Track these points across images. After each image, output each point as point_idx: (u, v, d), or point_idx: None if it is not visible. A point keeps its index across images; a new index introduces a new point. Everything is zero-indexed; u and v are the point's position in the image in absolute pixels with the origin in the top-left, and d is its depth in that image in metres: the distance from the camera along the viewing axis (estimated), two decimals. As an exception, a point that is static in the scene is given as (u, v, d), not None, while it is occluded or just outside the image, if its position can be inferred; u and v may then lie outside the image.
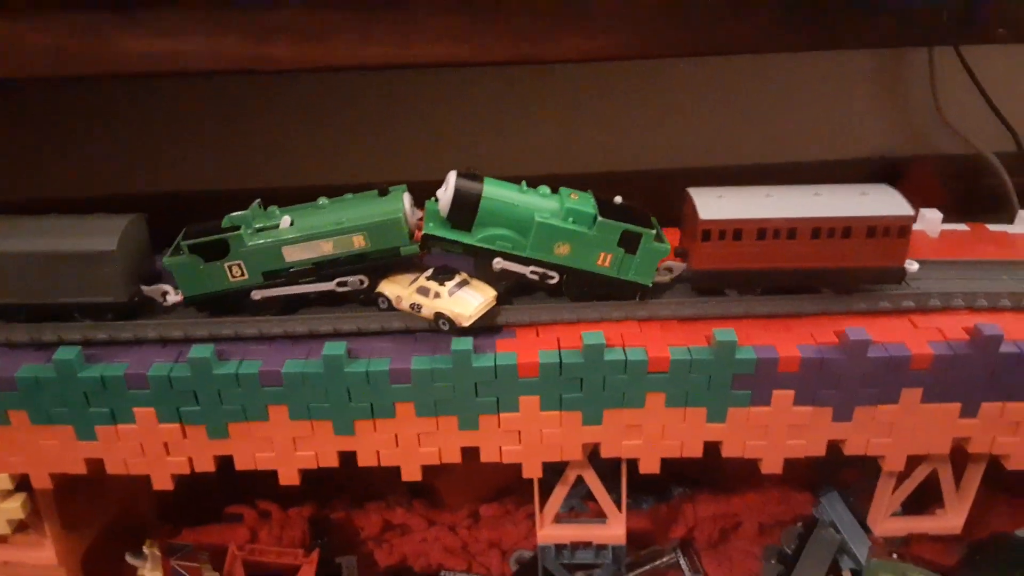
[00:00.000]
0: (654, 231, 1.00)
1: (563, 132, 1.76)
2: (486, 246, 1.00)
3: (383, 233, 0.99)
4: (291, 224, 1.00)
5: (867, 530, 1.17)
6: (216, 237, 0.97)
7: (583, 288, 1.03)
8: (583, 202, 1.01)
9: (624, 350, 0.96)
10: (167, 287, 1.03)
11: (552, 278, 1.01)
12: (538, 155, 1.73)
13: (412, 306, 0.99)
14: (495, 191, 0.99)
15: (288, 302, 1.03)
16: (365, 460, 1.01)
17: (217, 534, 1.31)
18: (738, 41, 1.11)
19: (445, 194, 0.98)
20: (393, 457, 1.01)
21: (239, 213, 1.00)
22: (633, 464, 1.05)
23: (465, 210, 0.98)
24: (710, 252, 1.01)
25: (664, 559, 1.32)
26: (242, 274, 0.99)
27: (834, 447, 1.03)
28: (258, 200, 1.03)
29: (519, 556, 1.31)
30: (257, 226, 1.00)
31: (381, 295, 1.02)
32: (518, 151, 1.72)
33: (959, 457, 1.08)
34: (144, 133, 1.62)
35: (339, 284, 1.02)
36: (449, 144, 1.69)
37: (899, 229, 1.01)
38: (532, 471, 1.04)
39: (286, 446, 1.00)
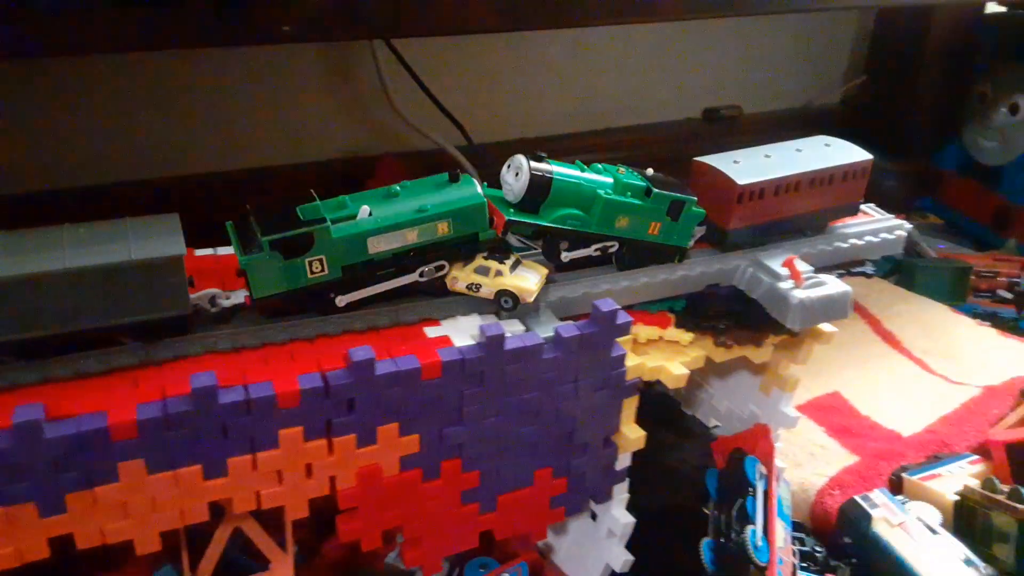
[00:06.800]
0: (695, 197, 1.07)
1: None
2: (559, 226, 1.02)
3: (467, 219, 0.97)
4: (370, 214, 0.93)
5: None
6: (303, 231, 0.88)
7: (634, 258, 1.09)
8: (631, 176, 1.06)
9: None
10: (215, 290, 0.93)
11: (612, 246, 1.07)
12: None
13: (470, 286, 0.98)
14: (562, 171, 1.02)
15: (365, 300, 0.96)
16: None
17: None
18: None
19: (518, 179, 0.99)
20: None
21: (313, 203, 0.92)
22: None
23: (538, 193, 1.00)
24: (743, 213, 1.12)
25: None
26: (322, 269, 0.91)
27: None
28: (311, 190, 0.94)
29: None
30: (330, 217, 0.91)
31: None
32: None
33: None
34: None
35: (420, 274, 0.98)
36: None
37: (862, 171, 1.21)
38: None
39: None
